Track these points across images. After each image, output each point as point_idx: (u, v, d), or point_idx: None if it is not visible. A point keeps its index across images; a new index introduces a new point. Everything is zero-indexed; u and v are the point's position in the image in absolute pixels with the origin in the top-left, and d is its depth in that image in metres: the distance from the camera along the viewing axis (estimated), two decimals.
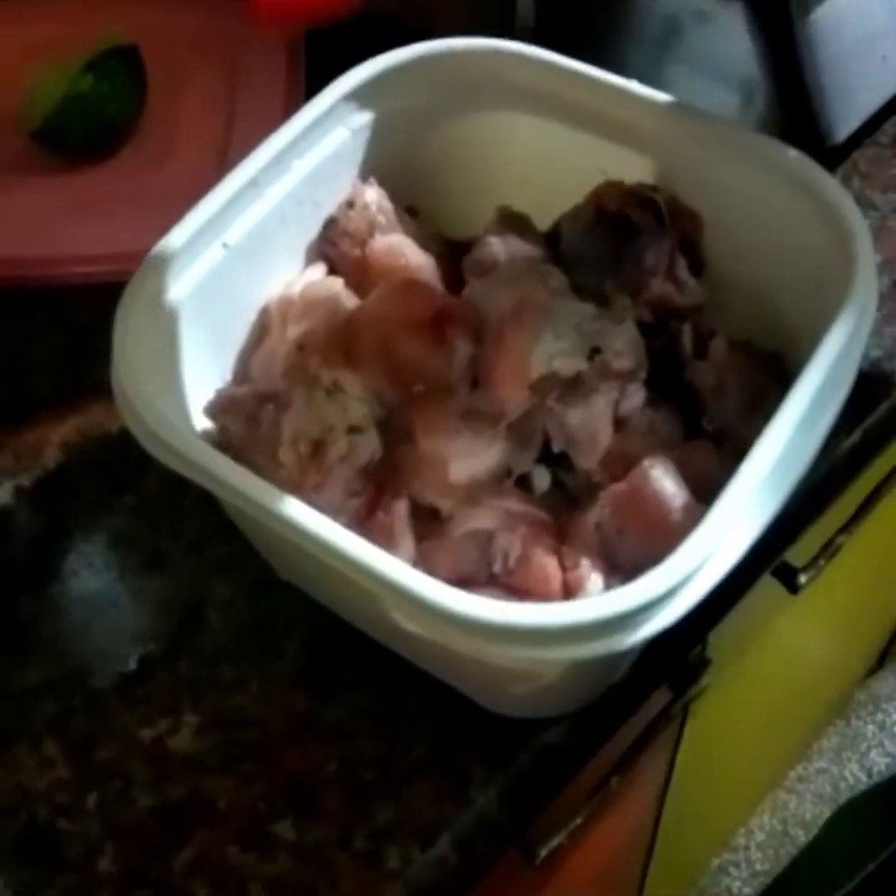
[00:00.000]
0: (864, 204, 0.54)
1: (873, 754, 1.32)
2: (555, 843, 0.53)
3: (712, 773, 0.94)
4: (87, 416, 0.49)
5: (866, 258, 0.36)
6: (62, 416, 0.49)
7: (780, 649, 0.88)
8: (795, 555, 0.61)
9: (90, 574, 0.45)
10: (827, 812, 1.28)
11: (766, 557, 0.46)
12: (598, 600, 0.30)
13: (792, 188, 0.39)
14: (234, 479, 0.33)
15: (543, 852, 0.53)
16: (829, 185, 0.38)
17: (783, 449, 0.33)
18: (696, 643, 0.44)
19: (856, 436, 0.47)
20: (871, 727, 1.34)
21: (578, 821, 0.54)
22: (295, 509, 0.32)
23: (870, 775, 1.30)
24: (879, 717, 1.34)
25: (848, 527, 0.66)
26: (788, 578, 0.63)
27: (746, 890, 1.24)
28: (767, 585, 0.62)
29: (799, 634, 0.92)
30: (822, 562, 0.64)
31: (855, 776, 1.30)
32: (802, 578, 0.63)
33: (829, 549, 0.64)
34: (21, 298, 0.52)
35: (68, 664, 0.43)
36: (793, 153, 0.39)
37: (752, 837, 1.28)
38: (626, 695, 0.42)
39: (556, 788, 0.42)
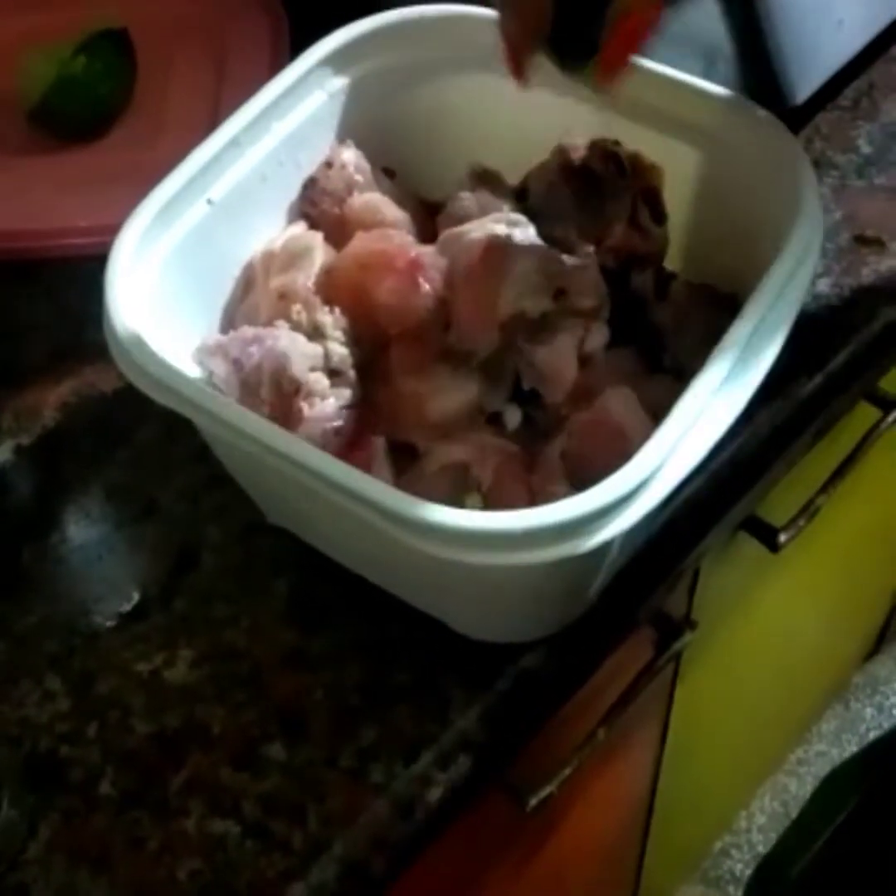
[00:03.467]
0: (825, 164, 0.56)
1: (872, 736, 1.33)
2: (544, 792, 0.55)
3: (707, 750, 0.95)
4: (81, 378, 0.51)
5: (810, 197, 0.39)
6: (58, 379, 0.51)
7: (771, 623, 0.89)
8: (775, 515, 0.63)
9: (88, 523, 0.47)
10: None
11: (735, 494, 0.48)
12: (557, 506, 0.32)
13: (748, 138, 0.41)
14: (220, 409, 0.35)
15: (533, 801, 0.55)
16: (780, 132, 0.40)
17: (727, 372, 0.35)
18: (665, 579, 0.46)
19: (817, 379, 0.49)
20: (869, 710, 1.35)
21: (567, 771, 0.56)
22: (279, 436, 0.35)
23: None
24: (878, 699, 1.36)
25: (826, 488, 0.68)
26: (768, 537, 0.64)
27: (748, 872, 1.26)
28: (748, 545, 0.64)
29: (790, 610, 0.93)
30: (801, 522, 0.66)
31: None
32: (782, 537, 0.64)
33: (808, 510, 0.66)
34: (17, 269, 0.54)
35: (68, 606, 0.45)
36: (747, 104, 0.41)
37: (754, 820, 1.29)
38: (602, 628, 0.44)
39: (536, 714, 0.44)
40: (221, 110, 0.58)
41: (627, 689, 0.59)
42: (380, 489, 0.33)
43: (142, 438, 0.49)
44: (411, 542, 0.33)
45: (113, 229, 0.40)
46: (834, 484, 0.68)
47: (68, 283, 0.54)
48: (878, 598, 1.19)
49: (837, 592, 1.03)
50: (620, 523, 0.33)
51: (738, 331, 0.37)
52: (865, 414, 0.66)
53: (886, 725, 1.33)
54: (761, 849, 1.28)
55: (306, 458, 0.34)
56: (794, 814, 1.28)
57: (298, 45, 0.59)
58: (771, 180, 0.41)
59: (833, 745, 1.33)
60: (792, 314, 0.38)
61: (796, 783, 1.31)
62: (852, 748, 1.32)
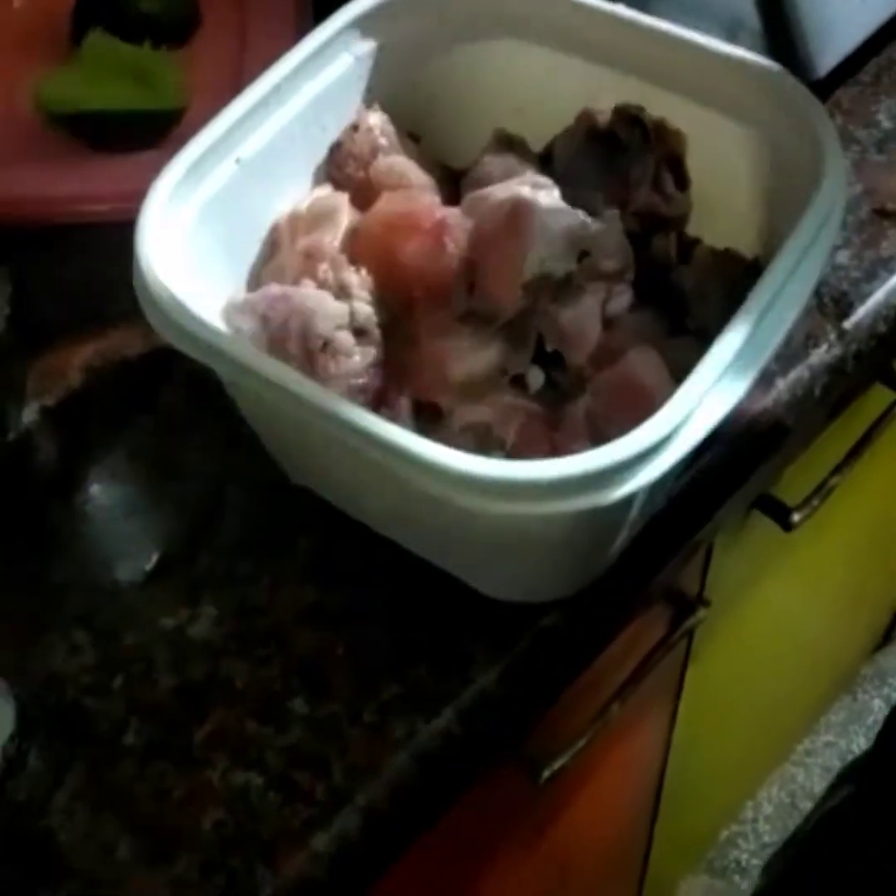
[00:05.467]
0: (846, 139, 0.56)
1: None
2: (558, 764, 0.56)
3: (716, 736, 0.95)
4: (106, 341, 0.51)
5: (834, 162, 0.39)
6: (83, 342, 0.52)
7: (782, 606, 0.89)
8: (788, 495, 0.63)
9: (112, 483, 0.48)
10: None
11: (753, 462, 0.48)
12: (583, 456, 0.33)
13: (773, 104, 0.41)
14: (251, 359, 0.35)
15: (546, 773, 0.56)
16: (806, 98, 0.41)
17: (748, 334, 0.35)
18: (682, 546, 0.47)
19: (837, 349, 0.50)
20: (877, 701, 1.36)
21: (581, 743, 0.57)
22: (309, 386, 0.35)
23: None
24: (886, 691, 1.36)
25: (840, 468, 0.68)
26: (782, 516, 0.65)
27: (754, 861, 1.26)
28: (761, 525, 0.64)
29: (801, 593, 0.93)
30: (815, 502, 0.66)
31: (861, 749, 1.31)
32: (796, 517, 0.65)
33: (822, 490, 0.66)
34: (41, 235, 0.55)
35: (93, 564, 0.45)
36: (774, 68, 0.41)
37: (760, 810, 1.30)
38: (620, 591, 0.45)
39: (556, 674, 0.44)
40: (245, 75, 0.59)
41: (640, 664, 0.60)
42: (408, 438, 0.33)
43: (165, 400, 0.49)
44: (438, 491, 0.33)
45: (137, 195, 0.41)
46: (848, 465, 0.68)
47: (93, 249, 0.54)
48: (887, 588, 1.19)
49: (848, 579, 1.03)
50: (645, 476, 0.34)
51: (760, 293, 0.37)
52: (880, 396, 0.66)
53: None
54: (767, 839, 1.28)
55: (337, 407, 0.34)
56: (800, 805, 1.28)
57: (320, 9, 0.60)
58: (795, 146, 0.41)
59: (840, 736, 1.33)
60: (814, 277, 0.39)
61: (804, 774, 1.31)
62: (860, 739, 1.33)
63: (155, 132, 0.55)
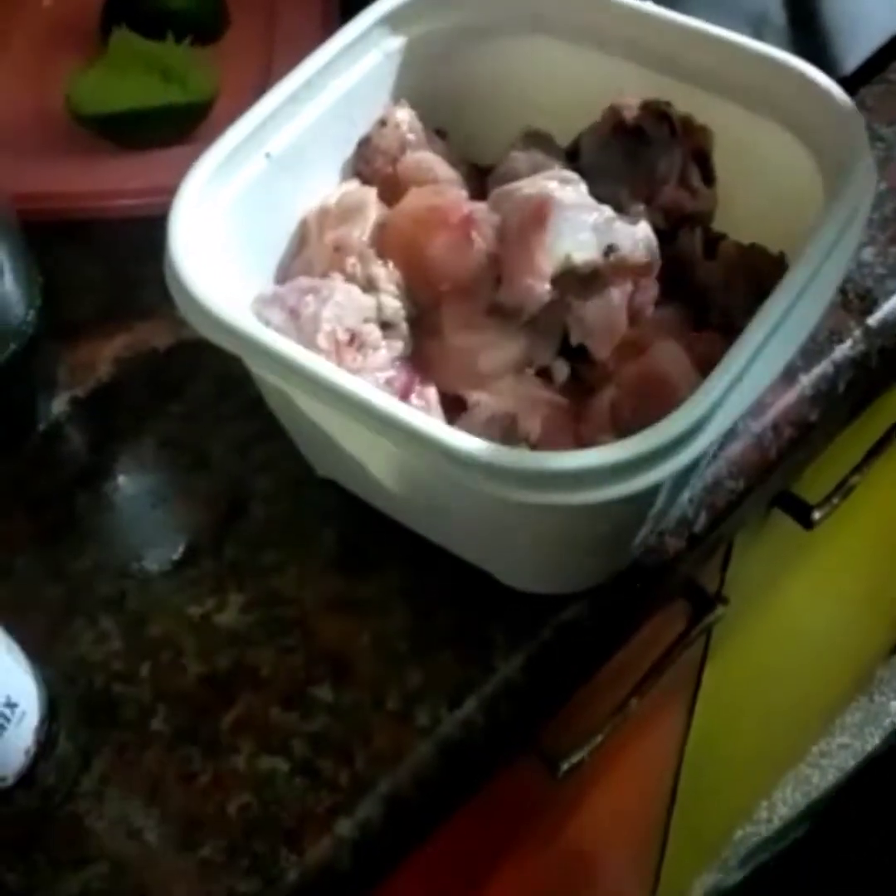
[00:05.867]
0: (871, 137, 0.56)
1: None
2: (576, 758, 0.56)
3: (732, 735, 0.96)
4: (134, 334, 0.52)
5: (862, 158, 0.39)
6: (112, 335, 0.52)
7: (800, 605, 0.89)
8: (809, 493, 0.63)
9: (140, 473, 0.48)
10: None
11: (777, 458, 0.49)
12: (609, 447, 0.33)
13: (801, 100, 0.41)
14: (281, 348, 0.36)
15: (565, 767, 0.56)
16: (834, 93, 0.41)
17: (773, 329, 0.36)
18: (703, 541, 0.47)
19: (861, 346, 0.50)
20: (893, 703, 1.35)
21: (599, 738, 0.57)
22: (340, 375, 0.35)
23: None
24: None
25: (860, 467, 0.68)
26: (802, 515, 0.65)
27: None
28: (781, 523, 0.64)
29: (820, 593, 0.93)
30: (835, 500, 0.66)
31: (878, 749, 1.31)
32: (816, 515, 0.65)
33: (842, 489, 0.66)
34: (72, 229, 0.55)
35: (121, 552, 0.46)
36: (802, 64, 0.41)
37: (775, 810, 1.30)
38: (641, 584, 0.45)
39: (578, 666, 0.45)
40: (273, 72, 0.59)
41: (659, 659, 0.60)
42: (440, 428, 0.34)
43: (193, 392, 0.50)
44: (467, 480, 0.34)
45: (166, 190, 0.41)
46: (868, 464, 0.68)
47: (122, 243, 0.55)
48: None
49: (867, 579, 1.03)
50: (669, 467, 0.34)
51: (785, 289, 0.37)
52: None
53: None
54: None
55: (372, 398, 0.35)
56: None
57: (347, 7, 0.61)
58: (824, 142, 0.41)
59: (856, 737, 1.33)
60: (839, 274, 0.39)
61: (818, 775, 1.31)
62: (875, 741, 1.32)
63: (183, 127, 0.56)
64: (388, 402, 0.34)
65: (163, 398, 0.50)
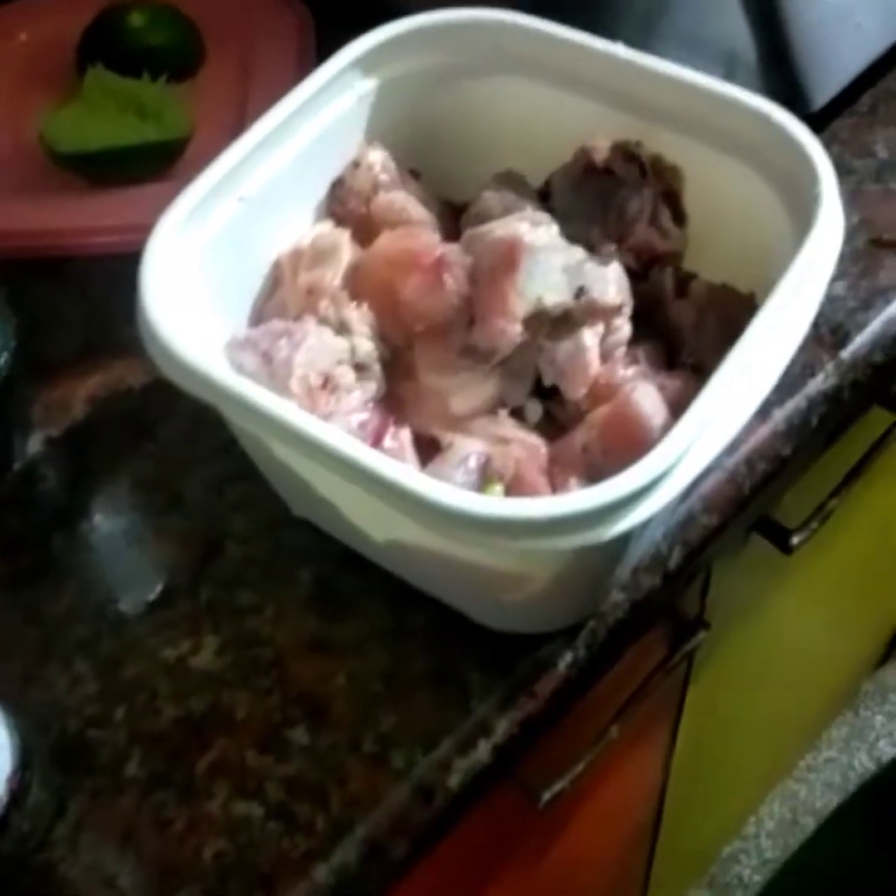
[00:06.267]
0: (842, 169, 0.56)
1: (882, 744, 1.34)
2: (558, 787, 0.56)
3: (717, 754, 0.96)
4: (109, 372, 0.52)
5: (830, 198, 0.39)
6: (87, 373, 0.52)
7: (782, 626, 0.90)
8: (787, 517, 0.64)
9: (115, 513, 0.48)
10: (836, 801, 1.30)
11: (751, 492, 0.49)
12: (579, 494, 0.33)
13: (769, 141, 0.42)
14: (253, 397, 0.36)
15: (547, 796, 0.56)
16: (800, 131, 0.41)
17: (745, 370, 0.36)
18: (680, 575, 0.47)
19: (833, 380, 0.50)
20: (879, 717, 1.36)
21: (580, 767, 0.57)
22: (311, 423, 0.35)
23: (879, 764, 1.32)
24: (887, 707, 1.36)
25: (839, 491, 0.68)
26: (781, 540, 0.65)
27: (756, 877, 1.26)
28: (760, 547, 0.65)
29: (802, 613, 0.94)
30: (814, 525, 0.66)
31: (863, 765, 1.32)
32: (795, 539, 0.65)
33: (820, 513, 0.67)
34: (48, 266, 0.55)
35: (97, 593, 0.46)
36: (769, 105, 0.42)
37: (762, 825, 1.30)
38: (620, 620, 0.45)
39: (555, 704, 0.45)
40: (249, 108, 0.60)
41: (640, 686, 0.60)
42: (410, 475, 0.34)
43: (168, 432, 0.50)
44: (437, 528, 0.34)
45: (142, 228, 0.41)
46: (847, 488, 0.69)
47: (98, 281, 0.55)
48: (888, 605, 1.20)
49: (848, 598, 1.04)
50: (640, 513, 0.34)
51: (755, 332, 0.37)
52: (879, 418, 0.67)
53: (894, 732, 1.34)
54: (770, 855, 1.28)
55: (340, 446, 0.35)
56: (802, 820, 1.29)
57: (322, 42, 0.61)
58: (792, 182, 0.42)
59: (843, 752, 1.33)
60: (810, 314, 0.39)
61: (805, 789, 1.31)
62: (862, 756, 1.33)
63: (159, 165, 0.56)
64: (358, 451, 0.34)
65: (138, 437, 0.50)
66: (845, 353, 0.51)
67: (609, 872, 0.93)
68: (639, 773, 0.81)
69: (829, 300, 0.52)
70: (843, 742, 1.35)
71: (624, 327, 0.42)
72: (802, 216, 0.40)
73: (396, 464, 0.34)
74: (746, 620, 0.79)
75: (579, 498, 0.33)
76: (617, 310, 0.42)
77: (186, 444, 0.49)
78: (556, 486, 0.40)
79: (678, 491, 0.35)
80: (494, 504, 0.33)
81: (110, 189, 0.56)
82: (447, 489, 0.33)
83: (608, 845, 0.87)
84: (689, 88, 0.43)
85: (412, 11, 0.47)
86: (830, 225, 0.39)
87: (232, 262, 0.43)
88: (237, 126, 0.59)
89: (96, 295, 0.55)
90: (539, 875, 0.73)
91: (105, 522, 0.48)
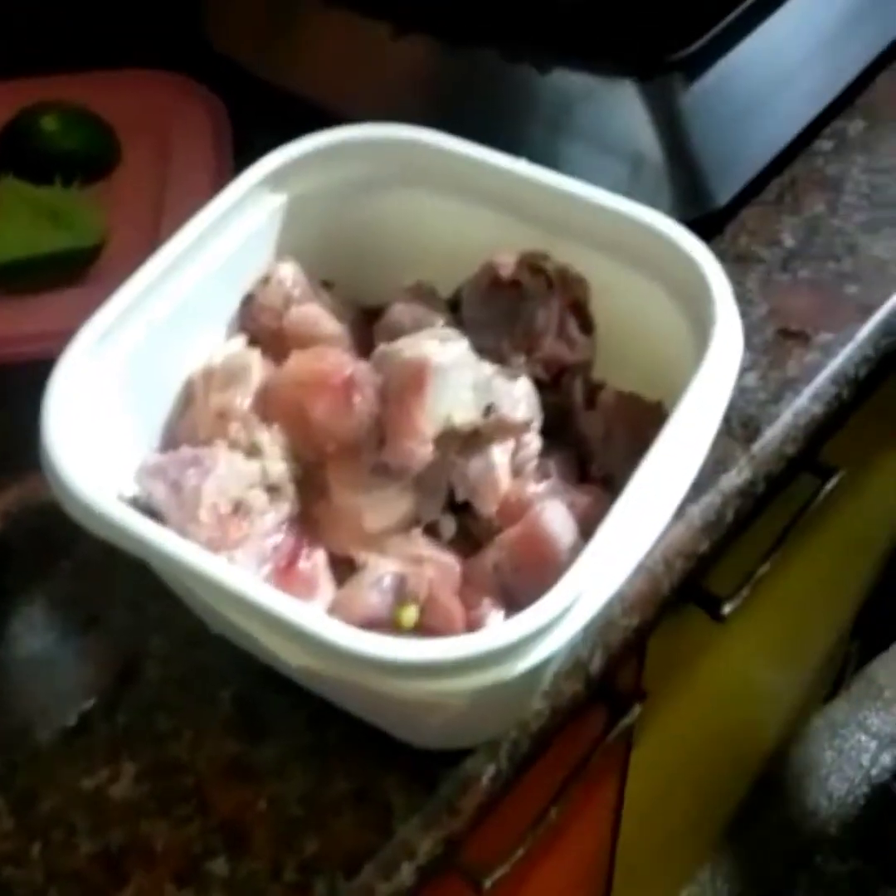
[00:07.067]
0: (751, 259, 0.58)
1: (833, 779, 1.35)
2: (498, 874, 0.56)
3: (665, 810, 0.96)
4: (24, 486, 0.51)
5: (725, 307, 0.40)
6: (2, 488, 0.51)
7: (725, 680, 0.90)
8: (719, 584, 0.64)
9: (31, 635, 0.47)
10: (790, 839, 1.31)
11: (669, 587, 0.49)
12: (483, 634, 0.33)
13: (668, 258, 0.43)
14: (151, 538, 0.36)
15: (488, 883, 0.56)
16: (695, 247, 0.42)
17: (653, 485, 0.37)
18: (603, 677, 0.47)
19: (747, 472, 0.51)
20: (828, 753, 1.37)
21: (520, 852, 0.57)
22: (211, 565, 0.35)
23: (830, 800, 1.33)
24: (837, 742, 1.38)
25: (769, 556, 0.69)
26: (712, 608, 0.66)
27: None
28: (693, 615, 0.65)
29: (744, 666, 0.95)
30: (745, 592, 0.67)
31: (815, 802, 1.33)
32: (727, 608, 0.66)
33: (751, 580, 0.68)
34: None
35: (12, 721, 0.45)
36: (664, 222, 0.43)
37: (718, 868, 1.30)
38: (541, 732, 0.45)
39: (479, 814, 0.45)
40: (165, 208, 0.59)
41: (577, 766, 0.60)
42: (309, 617, 0.34)
43: (85, 548, 0.49)
44: (340, 670, 0.34)
45: (56, 335, 0.41)
46: (777, 552, 0.70)
47: (11, 390, 0.54)
48: (831, 645, 1.21)
49: (790, 646, 1.05)
50: (549, 645, 0.34)
51: (663, 443, 0.38)
52: (807, 483, 0.68)
53: (846, 768, 1.35)
54: None
55: (242, 588, 0.35)
56: (756, 858, 1.29)
57: (243, 137, 0.62)
58: (690, 292, 0.43)
59: (796, 789, 1.35)
60: (715, 422, 0.40)
61: (759, 827, 1.32)
62: (813, 791, 1.34)
63: (73, 271, 0.56)
64: (257, 592, 0.34)
65: (54, 554, 0.49)
66: (757, 447, 0.51)
67: None
68: (585, 841, 0.81)
69: (741, 392, 0.53)
70: (795, 779, 1.36)
71: (533, 442, 0.42)
72: (702, 330, 0.41)
73: (293, 603, 0.34)
74: (686, 681, 0.79)
75: (484, 638, 0.33)
76: (525, 426, 0.42)
77: (104, 560, 0.49)
78: (469, 607, 0.40)
79: (585, 621, 0.35)
80: (391, 646, 0.33)
81: (24, 296, 0.56)
82: (348, 631, 0.33)
83: None
84: (587, 205, 0.44)
85: (334, 114, 0.47)
86: (727, 341, 0.40)
87: (143, 385, 0.43)
88: (153, 227, 0.59)
89: (9, 404, 0.54)
90: None
91: (21, 646, 0.47)
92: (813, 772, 1.37)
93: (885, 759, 1.36)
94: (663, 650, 0.66)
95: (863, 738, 1.38)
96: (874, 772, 1.35)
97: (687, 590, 0.62)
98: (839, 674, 1.33)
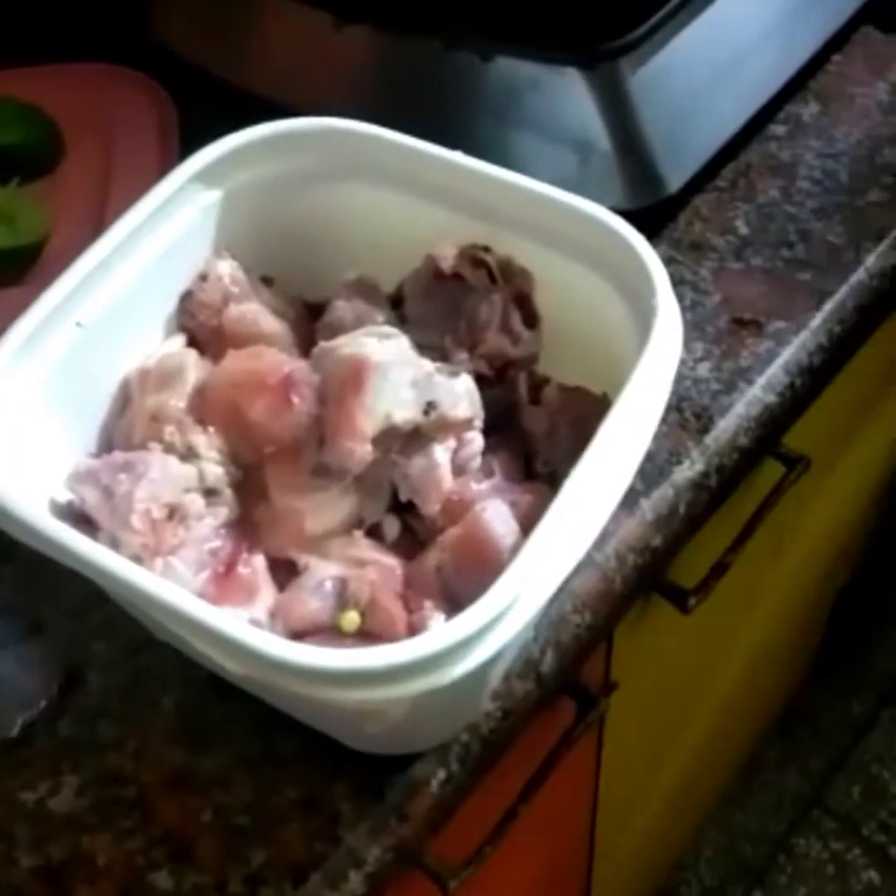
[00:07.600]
0: (704, 247, 0.58)
1: (813, 763, 1.35)
2: (465, 874, 0.55)
3: (643, 800, 0.96)
4: None
5: (665, 299, 0.40)
6: None
7: (696, 666, 0.90)
8: (685, 575, 0.64)
9: None
10: (773, 824, 1.31)
11: (625, 585, 0.49)
12: (419, 640, 0.32)
13: (610, 250, 0.42)
14: (78, 548, 0.35)
15: (454, 884, 0.55)
16: (636, 240, 0.41)
17: (594, 480, 0.36)
18: (575, 669, 0.47)
19: (700, 464, 0.51)
20: (808, 734, 1.37)
21: (487, 850, 0.56)
22: (142, 578, 0.34)
23: (812, 782, 1.33)
24: (816, 724, 1.38)
25: (735, 547, 0.69)
26: (679, 600, 0.65)
27: None
28: (661, 607, 0.65)
29: (714, 653, 0.94)
30: (711, 583, 0.67)
31: (798, 784, 1.33)
32: (692, 600, 0.65)
33: (717, 571, 0.67)
34: None
35: None
36: (605, 214, 0.42)
37: (700, 854, 1.31)
38: (493, 733, 0.44)
39: (431, 822, 0.44)
40: (111, 202, 0.58)
41: (544, 762, 0.60)
42: (243, 630, 0.33)
43: (27, 554, 0.48)
44: (278, 680, 0.33)
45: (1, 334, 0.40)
46: (743, 542, 0.69)
47: None
48: (810, 626, 1.21)
49: (764, 630, 1.05)
50: (488, 648, 0.34)
51: (604, 436, 0.37)
52: (771, 470, 0.67)
53: (825, 750, 1.36)
54: (709, 882, 1.29)
55: (168, 598, 0.34)
56: (738, 845, 1.30)
57: (189, 130, 0.60)
58: (632, 284, 0.42)
59: (776, 773, 1.35)
60: (658, 413, 0.39)
61: (741, 813, 1.32)
62: (795, 775, 1.34)
63: (15, 270, 0.55)
64: (187, 603, 0.33)
65: None
66: (710, 439, 0.51)
67: None
68: (560, 834, 0.80)
69: (694, 383, 0.53)
70: (775, 762, 1.36)
71: (476, 440, 0.42)
72: (645, 321, 0.40)
73: (222, 613, 0.33)
74: (655, 670, 0.79)
75: (419, 643, 0.32)
76: (467, 423, 0.41)
77: (45, 567, 0.47)
78: (411, 610, 0.39)
79: (525, 622, 0.34)
80: (321, 655, 0.32)
81: None
82: (271, 639, 0.33)
83: None
84: (529, 196, 0.43)
85: (282, 107, 0.46)
86: (668, 331, 0.39)
87: (77, 385, 0.42)
88: (98, 223, 0.58)
89: None
90: None
91: None
92: (794, 754, 1.37)
93: (867, 740, 1.36)
94: (632, 643, 0.66)
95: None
96: (854, 754, 1.36)
97: (649, 583, 0.62)
98: (815, 656, 1.33)
